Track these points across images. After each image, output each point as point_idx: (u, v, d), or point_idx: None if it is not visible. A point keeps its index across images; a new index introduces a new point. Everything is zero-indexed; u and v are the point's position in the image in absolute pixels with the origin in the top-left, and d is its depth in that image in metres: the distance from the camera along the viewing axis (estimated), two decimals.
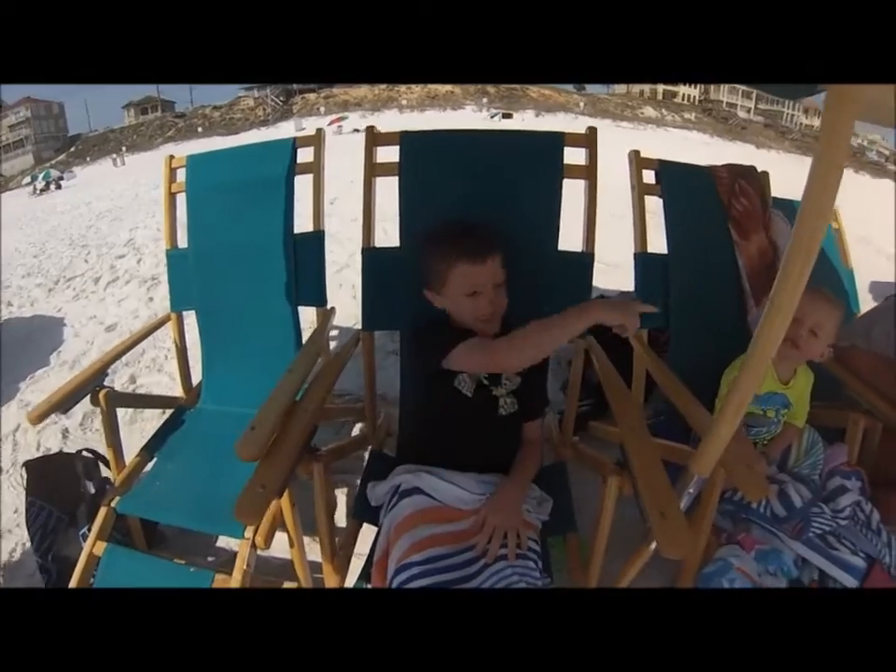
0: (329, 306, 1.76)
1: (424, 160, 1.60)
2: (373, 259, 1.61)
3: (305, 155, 1.72)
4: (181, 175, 1.87)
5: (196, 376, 1.94)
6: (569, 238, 1.58)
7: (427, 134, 1.69)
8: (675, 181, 1.77)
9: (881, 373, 1.63)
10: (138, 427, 2.38)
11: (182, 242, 1.88)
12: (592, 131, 1.61)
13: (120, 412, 1.57)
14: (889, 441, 1.62)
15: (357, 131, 21.80)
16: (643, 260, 1.73)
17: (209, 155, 1.90)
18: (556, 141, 1.59)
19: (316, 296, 1.76)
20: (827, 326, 1.46)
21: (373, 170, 1.60)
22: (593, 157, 1.58)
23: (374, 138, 1.60)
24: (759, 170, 2.00)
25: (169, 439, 1.70)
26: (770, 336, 0.83)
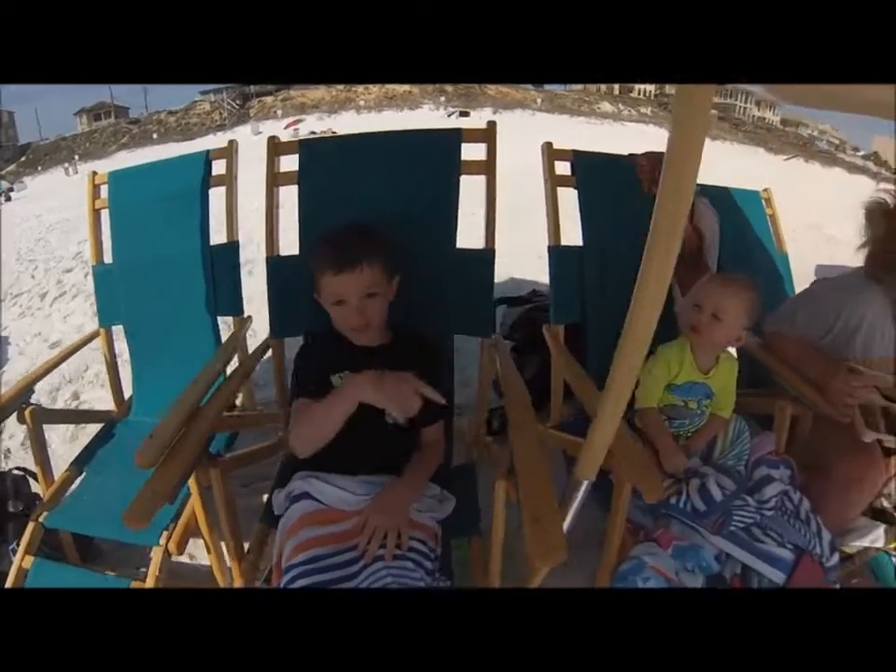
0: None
1: (323, 166, 1.61)
2: (276, 266, 1.62)
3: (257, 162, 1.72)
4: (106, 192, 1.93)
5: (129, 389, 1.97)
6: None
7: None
8: (590, 171, 1.75)
9: (807, 358, 1.61)
10: (80, 444, 2.30)
11: (109, 257, 1.93)
12: (491, 125, 1.60)
13: (62, 428, 1.69)
14: (820, 428, 1.61)
15: (313, 133, 21.55)
16: (557, 254, 1.72)
17: (129, 171, 1.96)
18: (453, 138, 1.59)
19: (232, 305, 1.82)
20: (729, 309, 1.43)
21: (275, 179, 1.61)
22: (491, 152, 1.58)
23: (276, 148, 1.61)
24: (712, 160, 2.00)
25: (98, 452, 1.75)
26: (637, 330, 0.80)
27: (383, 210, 1.53)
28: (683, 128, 0.63)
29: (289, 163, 1.63)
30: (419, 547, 1.12)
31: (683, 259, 1.77)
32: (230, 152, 1.80)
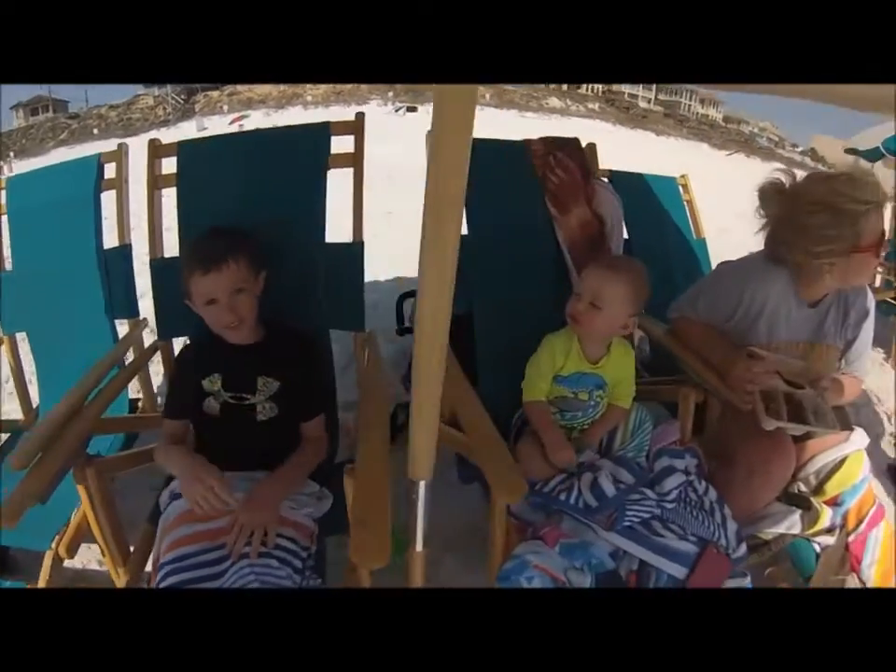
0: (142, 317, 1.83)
1: (199, 167, 1.60)
2: (160, 269, 1.61)
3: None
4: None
5: None
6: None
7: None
8: (479, 157, 1.66)
9: (710, 344, 1.55)
10: None
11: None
12: (359, 117, 1.58)
13: None
14: (726, 415, 1.55)
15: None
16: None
17: (25, 176, 1.99)
18: (321, 131, 1.59)
19: (126, 308, 1.83)
20: (607, 297, 1.35)
21: (157, 182, 1.61)
22: (359, 144, 1.57)
23: (156, 150, 1.60)
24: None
25: (2, 463, 1.69)
26: (426, 327, 0.76)
27: (255, 208, 1.53)
28: (445, 128, 0.62)
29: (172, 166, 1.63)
30: (287, 545, 1.11)
31: (583, 245, 1.72)
32: (119, 156, 1.80)
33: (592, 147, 1.92)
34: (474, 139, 1.70)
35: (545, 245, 1.73)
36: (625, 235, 2.06)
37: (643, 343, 2.33)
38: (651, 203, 2.26)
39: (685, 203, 2.45)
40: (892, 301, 3.83)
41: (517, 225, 1.73)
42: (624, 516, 1.28)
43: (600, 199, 1.81)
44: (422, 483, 0.93)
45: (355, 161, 1.57)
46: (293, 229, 1.54)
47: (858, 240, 1.37)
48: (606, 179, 2.09)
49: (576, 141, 1.87)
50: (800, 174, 1.54)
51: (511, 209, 1.72)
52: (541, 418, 1.43)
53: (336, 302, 1.59)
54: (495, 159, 1.73)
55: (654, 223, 2.22)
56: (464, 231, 1.58)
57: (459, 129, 0.61)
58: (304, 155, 1.58)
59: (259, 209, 1.52)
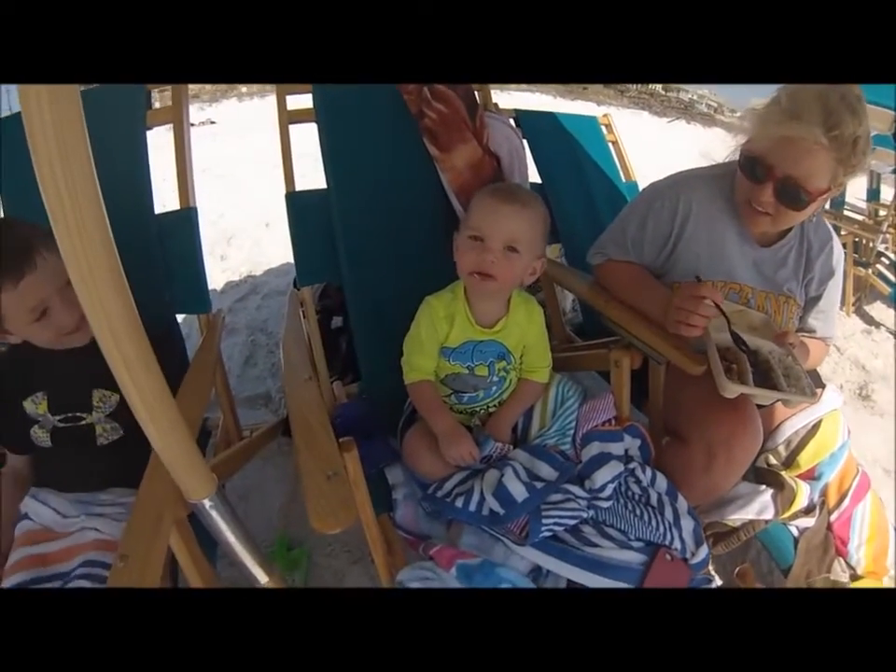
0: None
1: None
2: None
3: None
4: None
5: None
6: None
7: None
8: (334, 100, 1.45)
9: (645, 289, 1.25)
10: None
11: None
12: None
13: None
14: (675, 382, 1.20)
15: (192, 125, 20.39)
16: (295, 201, 1.41)
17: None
18: (136, 89, 1.38)
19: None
20: (526, 234, 1.06)
21: None
22: (177, 95, 1.38)
23: None
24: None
25: None
26: (107, 345, 0.57)
27: None
28: None
29: None
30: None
31: (476, 188, 1.41)
32: None
33: None
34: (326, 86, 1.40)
35: (426, 193, 1.43)
36: (537, 179, 1.76)
37: (575, 304, 2.03)
38: (567, 143, 1.97)
39: (609, 143, 2.17)
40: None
41: (388, 173, 1.47)
42: (541, 524, 0.98)
43: (494, 134, 1.54)
44: (205, 503, 0.76)
45: (174, 115, 1.37)
46: (118, 202, 1.20)
47: None
48: (511, 119, 1.78)
49: None
50: None
51: (378, 155, 1.48)
52: (428, 403, 1.13)
53: (176, 282, 1.36)
54: (354, 100, 1.48)
55: (572, 165, 1.94)
56: (323, 186, 1.36)
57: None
58: (117, 114, 1.35)
59: None
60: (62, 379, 1.08)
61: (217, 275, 3.26)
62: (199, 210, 1.38)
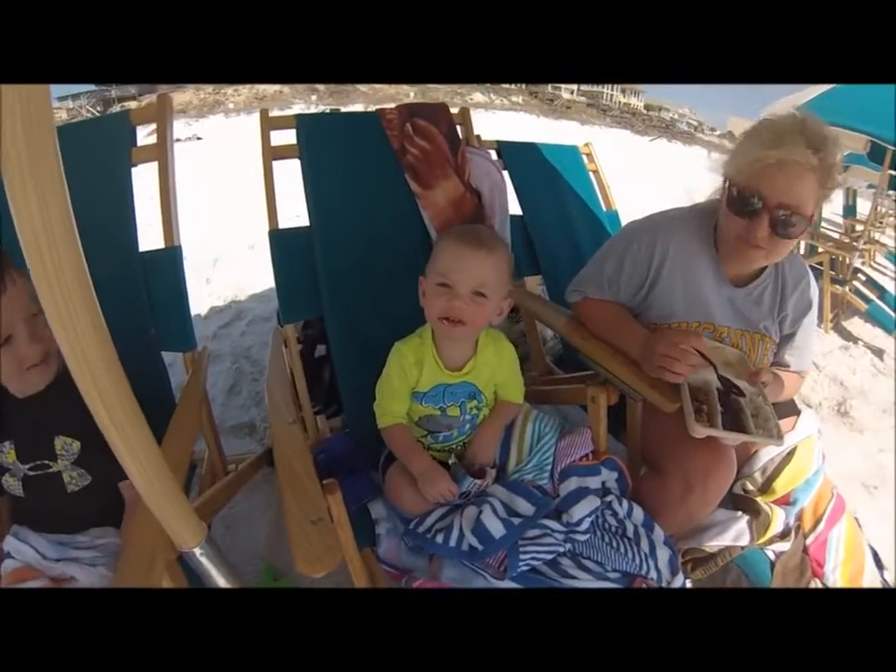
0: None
1: None
2: None
3: None
4: None
5: None
6: None
7: None
8: (317, 136, 1.46)
9: (623, 328, 1.27)
10: None
11: None
12: (161, 99, 1.35)
13: None
14: (651, 417, 1.23)
15: (178, 140, 20.21)
16: (278, 239, 1.43)
17: None
18: (121, 121, 1.38)
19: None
20: (493, 278, 1.07)
21: None
22: (161, 132, 1.36)
23: None
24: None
25: None
26: (85, 385, 0.57)
27: None
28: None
29: None
30: None
31: (457, 224, 1.44)
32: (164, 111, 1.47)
33: (464, 110, 1.65)
34: (308, 116, 1.46)
35: (407, 229, 1.45)
36: (518, 211, 1.79)
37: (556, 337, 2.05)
38: (549, 174, 2.00)
39: (590, 172, 2.19)
40: (818, 267, 3.78)
41: (370, 208, 1.48)
42: (518, 559, 1.00)
43: (475, 170, 1.55)
44: (195, 551, 0.76)
45: (159, 152, 1.35)
46: (103, 238, 1.29)
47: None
48: (492, 151, 1.81)
49: (441, 106, 1.60)
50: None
51: (360, 192, 1.49)
52: (403, 446, 1.15)
53: (161, 320, 1.36)
54: (338, 134, 1.50)
55: (553, 196, 1.96)
56: (306, 222, 1.35)
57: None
58: (105, 152, 1.37)
59: None
60: (26, 427, 1.05)
61: (202, 300, 3.25)
62: (183, 230, 1.39)
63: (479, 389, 1.17)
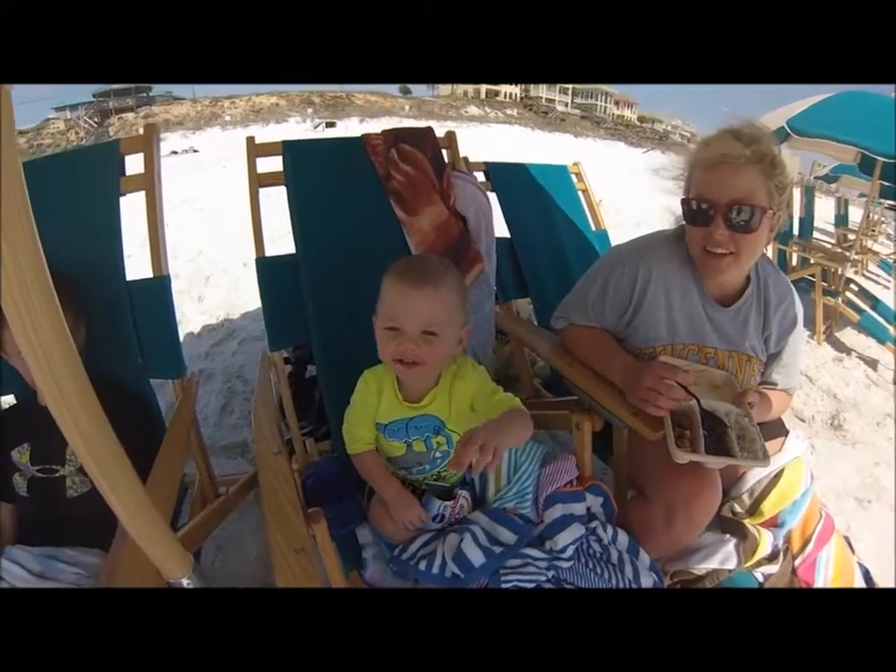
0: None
1: None
2: None
3: None
4: None
5: None
6: None
7: None
8: (303, 163, 1.47)
9: (607, 355, 1.27)
10: None
11: None
12: (148, 129, 1.35)
13: None
14: (637, 443, 1.21)
15: (174, 153, 20.25)
16: (265, 267, 1.44)
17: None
18: (109, 152, 1.37)
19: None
20: (443, 315, 1.01)
21: None
22: (149, 162, 1.36)
23: None
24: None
25: None
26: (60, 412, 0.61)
27: (48, 247, 1.21)
28: None
29: None
30: None
31: (442, 250, 1.44)
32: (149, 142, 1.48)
33: (451, 134, 1.65)
34: (295, 143, 1.47)
35: (392, 256, 1.43)
36: (506, 234, 1.80)
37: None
38: (537, 195, 2.00)
39: (579, 192, 2.20)
40: (810, 279, 3.79)
41: (356, 235, 1.48)
42: (500, 587, 1.02)
43: (460, 195, 1.55)
44: (183, 582, 0.77)
45: (146, 182, 1.34)
46: (91, 267, 1.33)
47: None
48: (480, 173, 1.82)
49: (427, 130, 1.60)
50: None
51: (346, 218, 1.49)
52: (372, 472, 1.16)
53: (149, 348, 1.37)
54: (323, 160, 1.51)
55: (541, 217, 1.96)
56: (292, 250, 1.36)
57: None
58: (91, 180, 1.38)
59: (49, 248, 1.20)
60: (43, 432, 1.11)
61: (195, 317, 3.25)
62: (178, 246, 1.40)
63: (442, 422, 1.12)
